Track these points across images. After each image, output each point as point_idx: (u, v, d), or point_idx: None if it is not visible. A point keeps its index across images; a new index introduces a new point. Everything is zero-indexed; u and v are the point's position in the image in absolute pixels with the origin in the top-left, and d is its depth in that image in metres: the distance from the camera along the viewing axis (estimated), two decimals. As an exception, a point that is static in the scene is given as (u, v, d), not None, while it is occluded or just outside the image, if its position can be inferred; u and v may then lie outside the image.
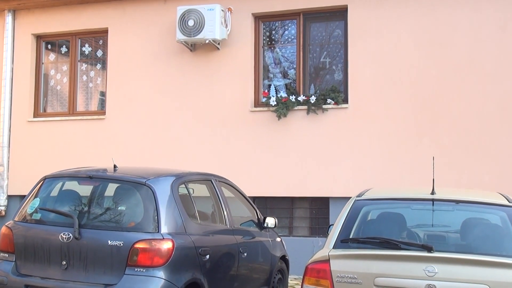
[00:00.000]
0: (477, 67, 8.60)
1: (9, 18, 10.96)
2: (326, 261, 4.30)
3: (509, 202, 4.91)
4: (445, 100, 8.69)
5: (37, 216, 5.58)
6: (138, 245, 4.99)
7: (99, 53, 10.87)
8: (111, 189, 5.63)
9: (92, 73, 10.98)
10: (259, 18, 9.87)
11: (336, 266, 4.26)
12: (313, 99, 9.22)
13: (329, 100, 9.20)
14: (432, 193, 4.94)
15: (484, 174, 8.42)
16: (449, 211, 5.19)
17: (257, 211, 7.11)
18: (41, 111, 11.03)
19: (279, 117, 9.34)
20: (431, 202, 4.97)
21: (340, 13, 9.47)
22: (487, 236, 4.67)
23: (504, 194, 5.23)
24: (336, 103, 9.19)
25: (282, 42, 10.01)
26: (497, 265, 4.05)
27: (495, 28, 8.57)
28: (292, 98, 9.37)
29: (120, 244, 5.02)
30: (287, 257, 7.48)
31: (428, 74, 8.79)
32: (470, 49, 8.65)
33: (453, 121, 8.65)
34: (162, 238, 5.08)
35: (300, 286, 5.30)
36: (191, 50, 9.90)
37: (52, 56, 11.23)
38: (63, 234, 5.18)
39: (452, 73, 8.69)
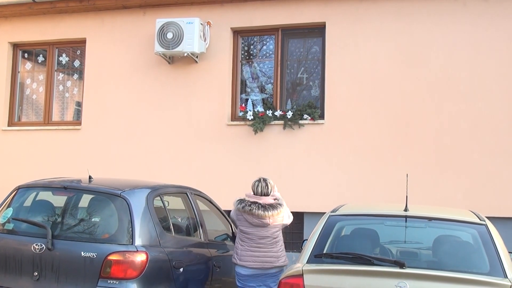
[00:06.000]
0: (451, 86, 8.74)
1: (-15, 25, 10.87)
2: (300, 275, 4.32)
3: (480, 220, 4.99)
4: (420, 117, 8.80)
5: (10, 226, 5.52)
6: (111, 257, 4.96)
7: (76, 63, 10.81)
8: (85, 200, 5.59)
9: (68, 83, 10.91)
10: (237, 32, 9.92)
11: (309, 281, 4.28)
12: (289, 114, 9.28)
13: (305, 116, 9.27)
14: (405, 209, 5.00)
15: (457, 192, 8.53)
16: (421, 228, 5.27)
17: (232, 225, 7.11)
18: (16, 120, 10.91)
19: (255, 131, 9.37)
20: (404, 218, 5.03)
21: (318, 30, 9.56)
22: (458, 253, 4.74)
23: (475, 212, 5.32)
24: (313, 118, 9.26)
25: (260, 57, 10.07)
26: (467, 282, 4.10)
27: (469, 48, 8.72)
28: (269, 112, 9.41)
29: (93, 256, 4.99)
30: (261, 271, 7.47)
31: (404, 91, 8.90)
32: (445, 68, 8.79)
33: (427, 138, 8.76)
34: (136, 250, 5.06)
35: (273, 301, 5.31)
36: (169, 63, 9.90)
37: (28, 65, 11.15)
38: (36, 244, 5.13)
39: (427, 91, 8.82)
